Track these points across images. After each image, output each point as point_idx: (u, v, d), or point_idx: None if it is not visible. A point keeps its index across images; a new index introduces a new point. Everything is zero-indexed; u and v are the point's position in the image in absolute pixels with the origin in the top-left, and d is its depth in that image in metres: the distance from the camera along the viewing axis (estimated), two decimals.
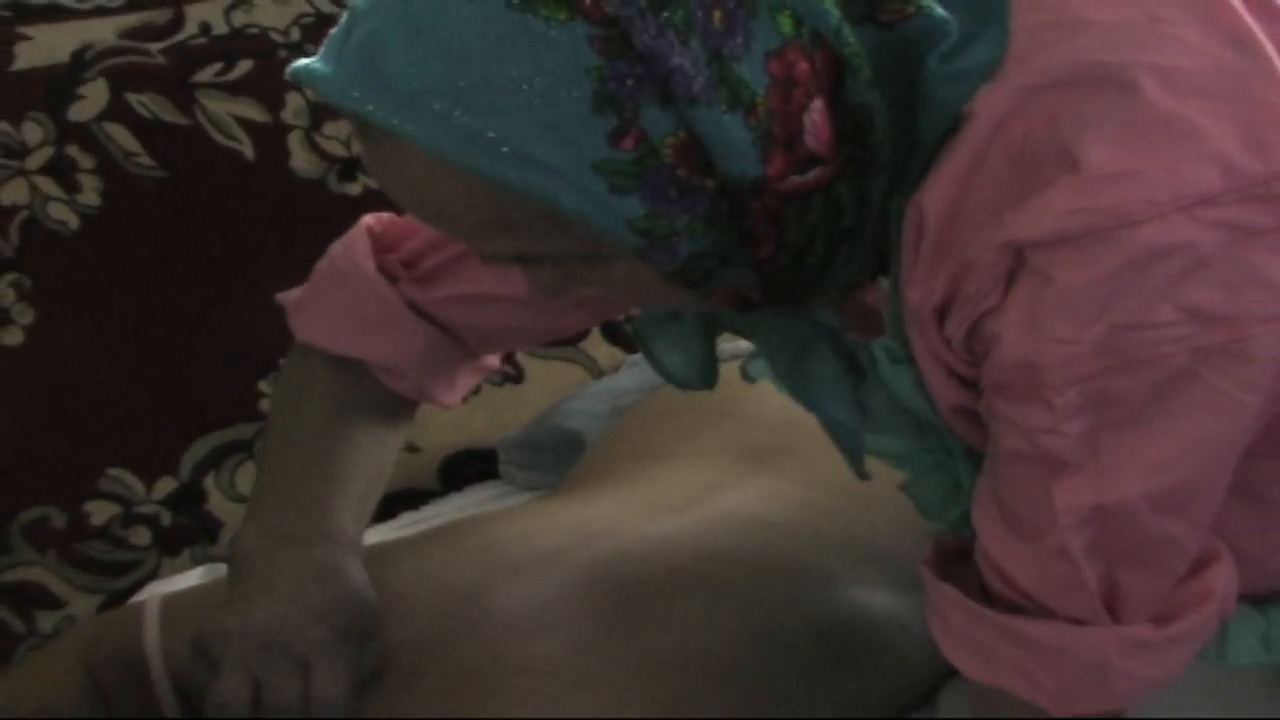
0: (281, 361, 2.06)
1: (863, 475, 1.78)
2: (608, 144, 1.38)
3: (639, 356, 2.48)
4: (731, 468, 2.19)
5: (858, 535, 2.06)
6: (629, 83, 1.37)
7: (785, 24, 1.40)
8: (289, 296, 1.99)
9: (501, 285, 1.84)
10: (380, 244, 1.93)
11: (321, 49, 1.45)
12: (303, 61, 1.45)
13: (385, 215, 1.94)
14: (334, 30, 1.45)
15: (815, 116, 1.42)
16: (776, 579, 2.02)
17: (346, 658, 1.78)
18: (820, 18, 1.41)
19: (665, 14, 1.37)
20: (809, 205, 1.46)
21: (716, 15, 1.38)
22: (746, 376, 1.88)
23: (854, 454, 1.76)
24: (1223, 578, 1.57)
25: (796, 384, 1.74)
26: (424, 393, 1.98)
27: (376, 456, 1.98)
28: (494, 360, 2.06)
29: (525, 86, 1.37)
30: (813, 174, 1.44)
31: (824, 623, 2.00)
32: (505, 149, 1.38)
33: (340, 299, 1.94)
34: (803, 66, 1.41)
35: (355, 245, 1.93)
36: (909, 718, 2.12)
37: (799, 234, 1.47)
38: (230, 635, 1.77)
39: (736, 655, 1.93)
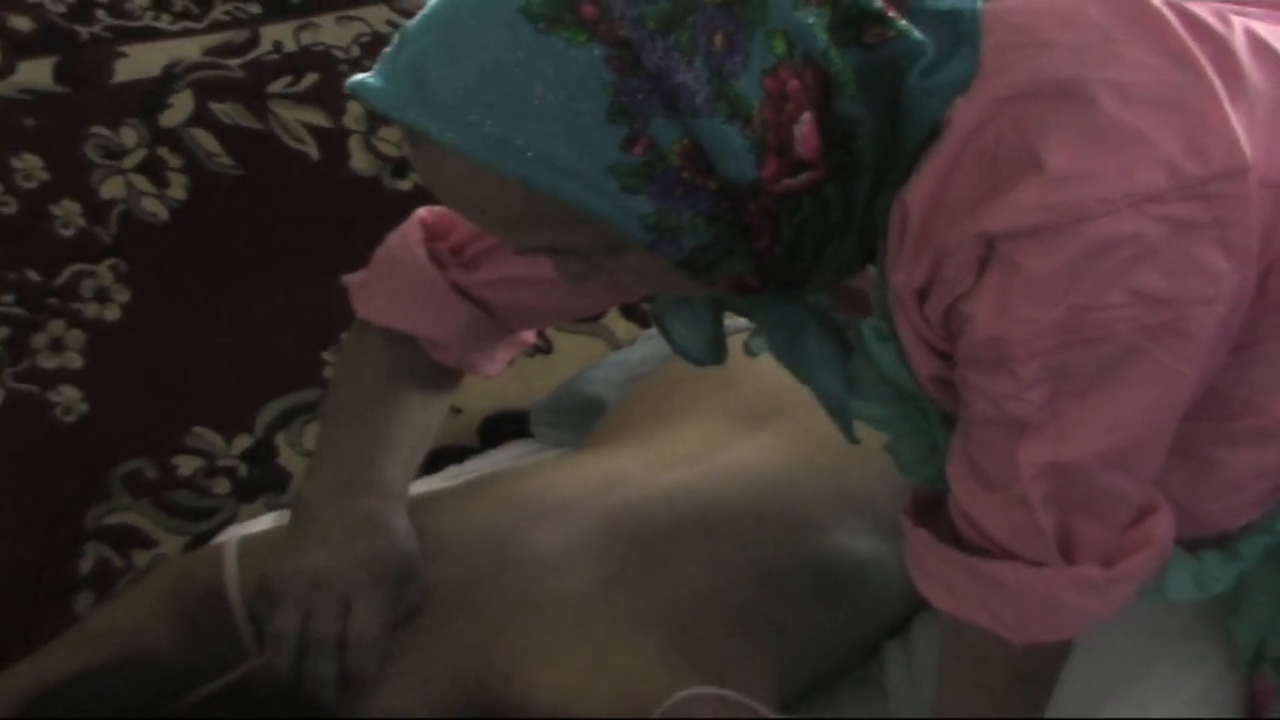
0: (342, 335, 2.06)
1: (852, 440, 1.78)
2: (621, 150, 1.39)
3: (653, 331, 2.49)
4: (734, 427, 2.18)
5: (844, 487, 2.06)
6: (639, 96, 1.38)
7: (779, 46, 1.41)
8: (352, 279, 2.00)
9: (534, 270, 1.84)
10: (431, 233, 1.94)
11: (375, 67, 1.46)
12: (359, 77, 1.46)
13: (436, 208, 1.94)
14: (386, 50, 1.46)
15: (804, 128, 1.43)
16: (772, 525, 2.03)
17: (384, 599, 1.79)
18: (810, 41, 1.42)
19: (672, 37, 1.38)
20: (800, 204, 1.47)
21: (717, 38, 1.39)
22: (749, 351, 1.87)
23: (843, 420, 1.77)
24: (1162, 526, 1.58)
25: (792, 359, 1.74)
26: (466, 363, 1.99)
27: (422, 419, 1.98)
28: (530, 336, 2.07)
29: (549, 99, 1.38)
30: (803, 177, 1.45)
31: (814, 563, 2.01)
32: (530, 154, 1.39)
33: (395, 281, 1.95)
34: (793, 84, 1.42)
35: (409, 235, 1.94)
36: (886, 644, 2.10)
37: (792, 229, 1.48)
38: (287, 577, 1.80)
39: (737, 590, 1.93)
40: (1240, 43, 1.51)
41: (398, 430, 1.94)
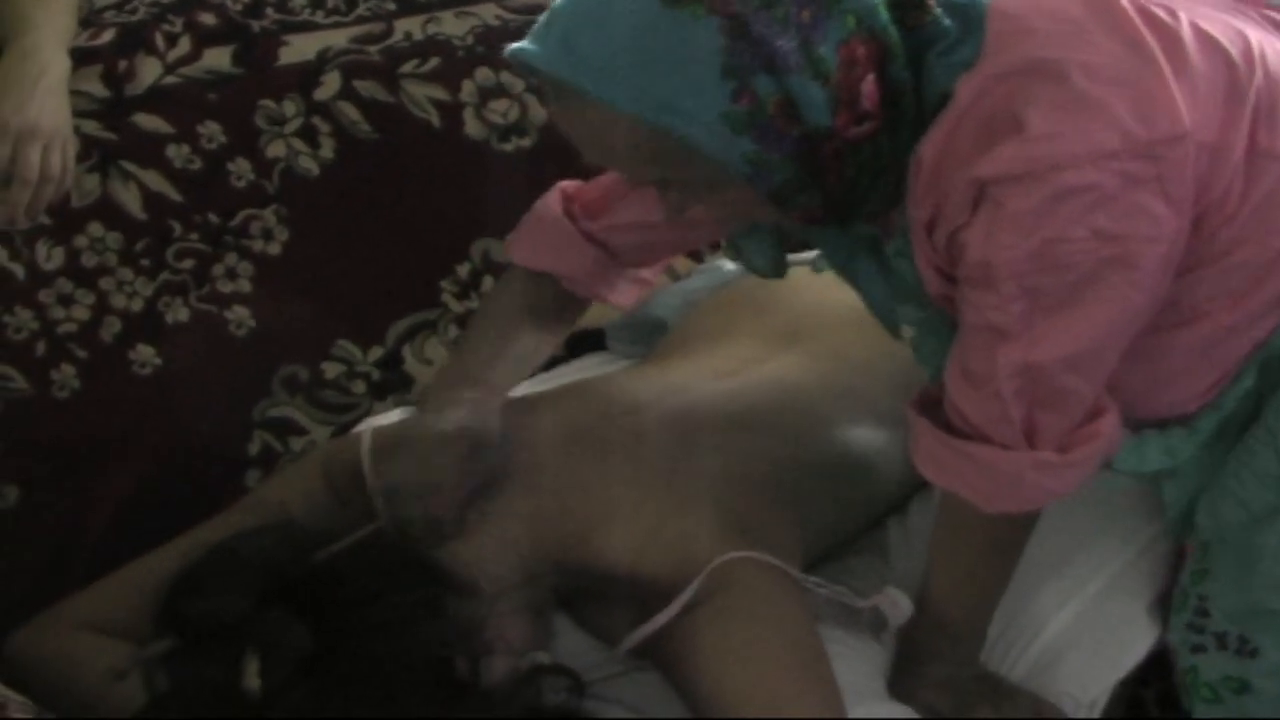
0: (456, 266, 2.11)
1: (896, 337, 1.87)
2: (730, 100, 1.46)
3: (706, 265, 2.57)
4: (767, 347, 2.22)
5: (854, 393, 2.10)
6: (745, 58, 1.45)
7: (850, 21, 1.48)
8: (510, 236, 2.07)
9: (642, 216, 1.91)
10: (566, 196, 2.01)
11: (528, 38, 1.53)
12: (517, 45, 1.54)
13: (572, 182, 2.02)
14: (538, 24, 1.53)
15: (868, 86, 1.50)
16: (799, 422, 2.07)
17: (457, 460, 1.86)
18: (874, 18, 1.50)
19: (771, 11, 1.45)
20: (861, 149, 1.53)
21: (805, 13, 1.46)
22: (815, 269, 2.00)
23: (889, 321, 1.85)
24: (1109, 425, 1.65)
25: (850, 275, 1.84)
26: (593, 293, 2.06)
27: (536, 337, 2.05)
28: (649, 275, 2.11)
29: (674, 59, 1.45)
30: (865, 127, 1.52)
31: (830, 452, 2.06)
32: (661, 102, 1.46)
33: (537, 233, 2.02)
34: (861, 51, 1.49)
35: (549, 198, 2.02)
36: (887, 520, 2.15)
37: (853, 169, 1.55)
38: (400, 436, 1.90)
39: (769, 475, 1.99)
40: (1186, 33, 1.56)
41: (514, 342, 2.01)
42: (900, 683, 1.95)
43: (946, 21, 1.56)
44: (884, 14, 1.51)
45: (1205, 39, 1.58)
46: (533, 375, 2.42)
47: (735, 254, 1.98)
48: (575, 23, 1.49)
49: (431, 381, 1.99)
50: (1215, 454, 1.83)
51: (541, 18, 1.54)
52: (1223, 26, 1.61)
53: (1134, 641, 1.99)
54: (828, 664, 1.84)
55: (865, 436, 2.08)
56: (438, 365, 2.51)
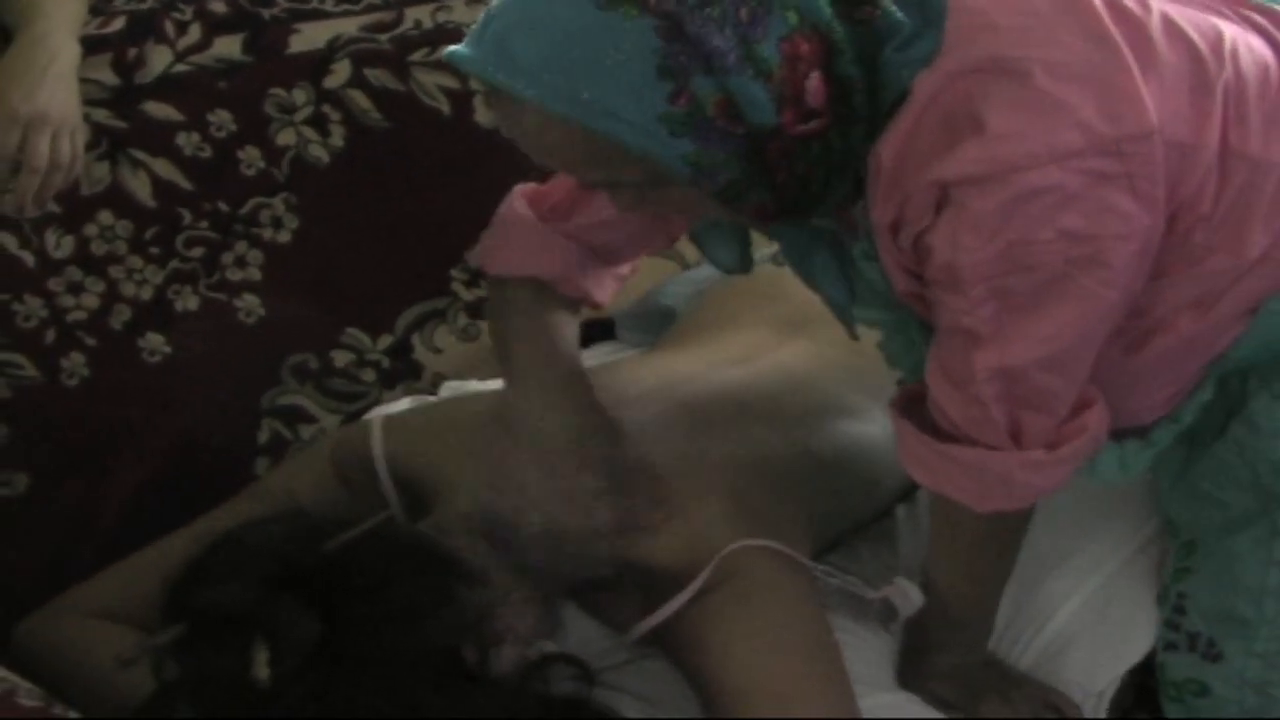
0: (465, 254, 2.13)
1: (853, 336, 1.84)
2: (667, 102, 1.43)
3: None
4: (777, 334, 2.22)
5: (862, 381, 2.08)
6: (682, 59, 1.42)
7: (792, 17, 1.45)
8: (479, 249, 2.03)
9: (611, 213, 1.88)
10: (531, 200, 1.97)
11: (465, 40, 1.50)
12: (453, 48, 1.51)
13: (529, 185, 1.98)
14: (473, 26, 1.50)
15: (814, 83, 1.47)
16: (808, 409, 2.06)
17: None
18: (817, 14, 1.46)
19: (707, 10, 1.42)
20: (810, 146, 1.50)
21: (743, 11, 1.43)
22: (777, 263, 1.96)
23: (846, 321, 1.82)
24: (1095, 417, 1.62)
25: (806, 272, 1.80)
26: (582, 293, 2.01)
27: (570, 331, 2.02)
28: (626, 269, 2.08)
29: (609, 62, 1.42)
30: (813, 124, 1.49)
31: (838, 441, 2.05)
32: (596, 106, 1.43)
33: (514, 238, 1.98)
34: (805, 47, 1.46)
35: (514, 203, 1.98)
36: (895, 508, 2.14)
37: (804, 166, 1.52)
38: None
39: (779, 463, 1.97)
40: (1156, 25, 1.54)
41: (561, 342, 1.99)
42: (909, 672, 1.96)
43: (899, 15, 1.52)
44: (827, 9, 1.48)
45: (1174, 30, 1.56)
46: None
47: (699, 248, 1.95)
48: (509, 26, 1.46)
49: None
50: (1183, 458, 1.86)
51: (478, 20, 1.52)
52: (1195, 20, 1.59)
53: (1141, 631, 1.99)
54: (838, 653, 1.84)
55: (874, 424, 2.06)
56: (447, 353, 2.52)
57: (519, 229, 1.97)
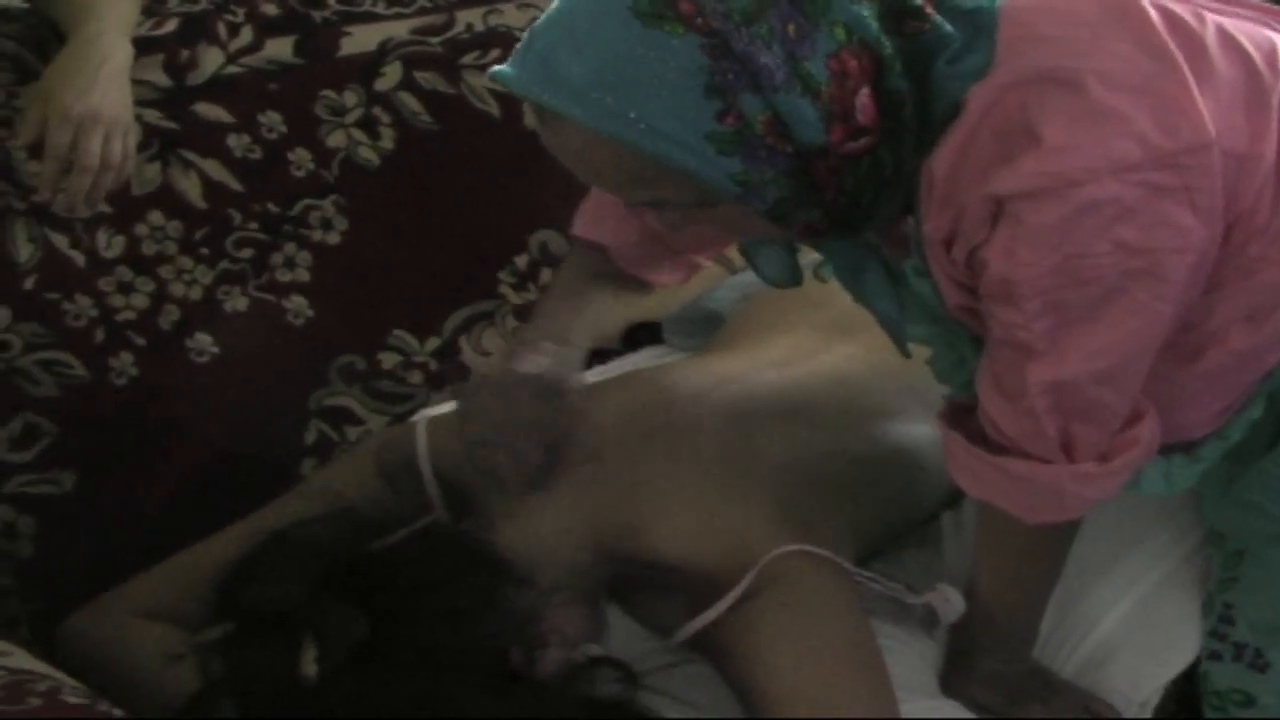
0: (514, 258, 2.10)
1: (905, 354, 1.84)
2: (715, 120, 1.43)
3: None
4: (823, 338, 2.22)
5: (909, 385, 2.08)
6: (729, 77, 1.42)
7: (840, 33, 1.44)
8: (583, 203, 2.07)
9: None
10: None
11: (510, 58, 1.50)
12: (498, 67, 1.51)
13: None
14: (518, 44, 1.50)
15: (863, 100, 1.46)
16: (852, 414, 2.07)
17: (539, 407, 1.87)
18: (865, 29, 1.46)
19: (754, 27, 1.41)
20: (860, 163, 1.50)
21: (791, 27, 1.42)
22: (819, 278, 1.92)
23: (898, 337, 1.81)
24: (1148, 429, 1.62)
25: (856, 288, 1.79)
26: (638, 271, 2.04)
27: (607, 301, 2.04)
28: (700, 260, 2.10)
29: (656, 80, 1.41)
30: (862, 141, 1.48)
31: (884, 444, 2.06)
32: (642, 125, 1.43)
33: (598, 205, 2.01)
34: (853, 64, 1.45)
35: None
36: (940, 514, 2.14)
37: (853, 184, 1.51)
38: (486, 383, 1.93)
39: (824, 466, 1.98)
40: (1211, 36, 1.53)
41: (586, 305, 2.01)
42: (952, 678, 1.96)
43: (948, 29, 1.52)
44: (875, 25, 1.47)
45: (1229, 42, 1.56)
46: (590, 368, 2.44)
47: (748, 262, 1.95)
48: (553, 44, 1.46)
49: (509, 343, 1.99)
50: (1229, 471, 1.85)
51: (522, 38, 1.51)
52: (1249, 32, 1.59)
53: (1186, 640, 1.98)
54: (881, 659, 1.83)
55: (920, 429, 2.07)
56: (495, 356, 2.51)
57: (604, 198, 1.98)
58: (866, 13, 1.47)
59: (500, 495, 1.90)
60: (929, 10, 1.52)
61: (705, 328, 2.50)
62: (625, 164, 1.49)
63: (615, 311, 2.08)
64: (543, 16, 1.50)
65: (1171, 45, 1.50)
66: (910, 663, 1.93)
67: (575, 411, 1.90)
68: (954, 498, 2.13)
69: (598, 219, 2.02)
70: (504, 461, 1.87)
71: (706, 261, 2.12)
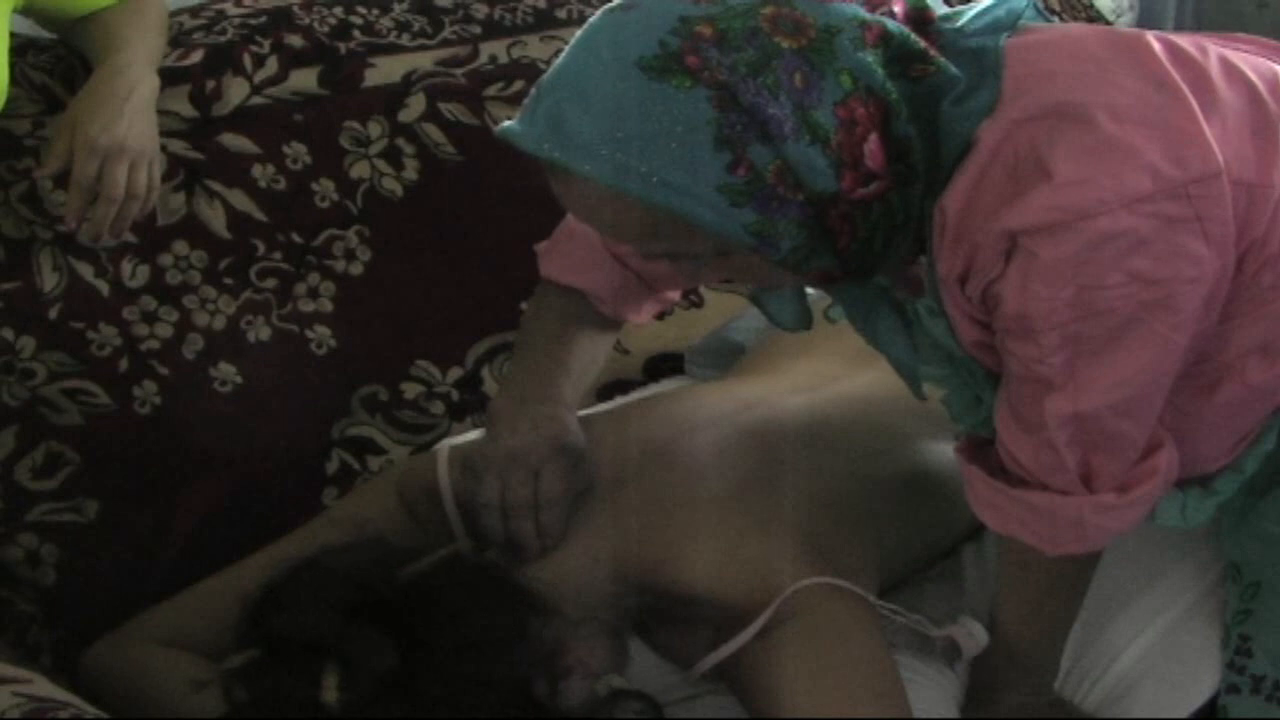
0: (535, 287, 2.11)
1: (920, 396, 1.84)
2: (726, 172, 1.44)
3: None
4: (845, 363, 2.23)
5: (931, 413, 2.04)
6: (738, 128, 1.43)
7: (846, 81, 1.46)
8: (540, 247, 2.05)
9: None
10: None
11: (518, 115, 1.50)
12: (506, 124, 1.51)
13: None
14: (525, 101, 1.50)
15: (871, 146, 1.47)
16: (876, 440, 2.07)
17: (565, 470, 1.84)
18: (870, 76, 1.47)
19: (761, 78, 1.43)
20: (871, 209, 1.51)
21: (797, 77, 1.44)
22: (829, 319, 1.94)
23: (912, 380, 1.82)
24: (1165, 460, 1.63)
25: (869, 332, 1.80)
26: (618, 314, 2.04)
27: (590, 352, 2.03)
28: (673, 294, 2.10)
29: (665, 134, 1.42)
30: (873, 186, 1.49)
31: (906, 473, 2.06)
32: (654, 179, 1.43)
33: (570, 249, 2.00)
34: (860, 111, 1.46)
35: None
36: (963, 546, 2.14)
37: (866, 229, 1.52)
38: (487, 456, 1.86)
39: (846, 494, 1.97)
40: (1214, 67, 1.56)
41: (571, 358, 1.98)
42: (974, 711, 1.95)
43: (953, 70, 1.54)
44: (880, 70, 1.48)
45: (1233, 72, 1.57)
46: (612, 399, 2.44)
47: (760, 309, 1.95)
48: (560, 99, 1.46)
49: (497, 400, 2.00)
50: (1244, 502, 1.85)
51: (530, 94, 1.52)
52: (1251, 62, 1.61)
53: (1207, 673, 1.98)
54: (903, 693, 1.83)
55: (942, 457, 2.07)
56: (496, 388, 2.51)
57: (576, 241, 2.00)
58: (871, 59, 1.48)
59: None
60: (933, 53, 1.54)
61: (727, 358, 2.50)
62: (639, 217, 1.50)
63: (597, 358, 2.08)
64: (549, 71, 1.52)
65: (1176, 76, 1.52)
66: (932, 696, 1.93)
67: (585, 474, 1.90)
68: (976, 528, 2.12)
69: (577, 264, 2.02)
70: (500, 541, 1.88)
71: (679, 296, 2.13)
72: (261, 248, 2.45)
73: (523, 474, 1.85)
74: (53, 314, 2.26)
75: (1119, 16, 4.28)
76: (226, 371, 2.37)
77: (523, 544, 1.86)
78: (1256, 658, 1.90)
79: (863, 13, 1.51)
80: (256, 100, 2.50)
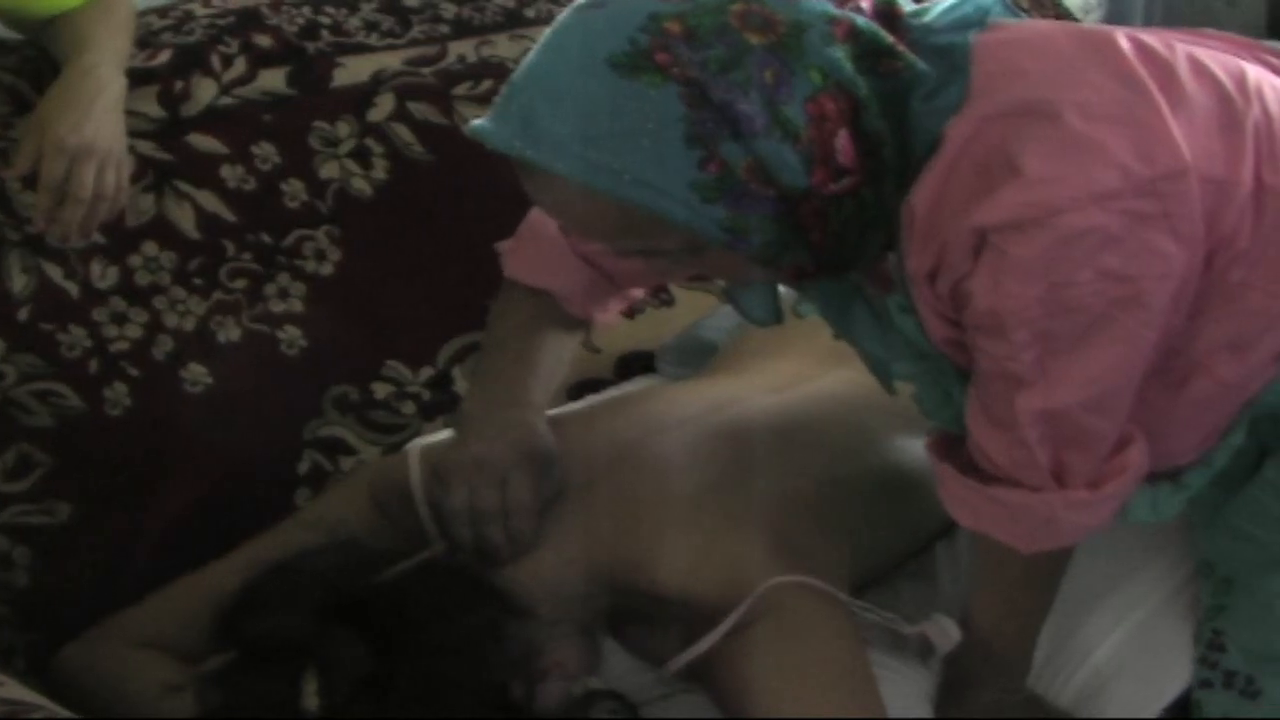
0: (501, 287, 2.10)
1: (890, 391, 1.86)
2: (698, 169, 1.44)
3: None
4: (818, 364, 2.22)
5: (904, 408, 2.02)
6: (709, 125, 1.43)
7: (816, 77, 1.46)
8: (502, 246, 2.06)
9: None
10: None
11: (489, 114, 1.51)
12: (477, 122, 1.52)
13: None
14: (497, 100, 1.51)
15: (842, 141, 1.48)
16: (847, 438, 2.08)
17: (533, 477, 1.84)
18: (840, 72, 1.47)
19: (731, 75, 1.43)
20: (843, 204, 1.52)
21: (767, 74, 1.44)
22: (798, 314, 1.95)
23: (883, 375, 1.84)
24: (1136, 454, 1.63)
25: (842, 327, 1.81)
26: (585, 313, 2.04)
27: (557, 352, 2.03)
28: (638, 292, 2.11)
29: (637, 131, 1.43)
30: (844, 182, 1.50)
31: (879, 471, 2.07)
32: (626, 177, 1.44)
33: (535, 248, 2.00)
34: (830, 106, 1.47)
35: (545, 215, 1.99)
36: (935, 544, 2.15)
37: (838, 224, 1.53)
38: (454, 462, 1.86)
39: (819, 493, 1.98)
40: (1182, 65, 1.56)
41: (539, 360, 1.99)
42: (947, 708, 1.95)
43: (922, 66, 1.54)
44: (849, 66, 1.49)
45: (1200, 70, 1.58)
46: (582, 398, 2.44)
47: (733, 305, 1.96)
48: (531, 98, 1.47)
49: (466, 404, 2.00)
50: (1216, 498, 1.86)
51: (501, 93, 1.52)
52: (1219, 59, 1.61)
53: (1180, 668, 1.99)
54: (876, 690, 1.84)
55: (914, 455, 2.06)
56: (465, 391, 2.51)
57: (541, 240, 2.00)
58: (840, 55, 1.49)
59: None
60: (902, 49, 1.54)
61: (699, 357, 2.50)
62: (612, 215, 1.51)
63: (564, 358, 2.08)
64: (519, 70, 1.52)
65: (1144, 74, 1.53)
66: (905, 692, 1.93)
67: (554, 478, 1.90)
68: (949, 525, 2.12)
69: (543, 264, 2.02)
70: (472, 548, 1.87)
71: (645, 294, 2.12)
72: (231, 248, 2.44)
73: (490, 480, 1.85)
74: (22, 315, 2.25)
75: (1088, 13, 4.29)
76: (197, 373, 2.36)
77: (492, 550, 1.85)
78: (1229, 653, 1.91)
79: (831, 9, 1.51)
80: (225, 100, 2.49)
